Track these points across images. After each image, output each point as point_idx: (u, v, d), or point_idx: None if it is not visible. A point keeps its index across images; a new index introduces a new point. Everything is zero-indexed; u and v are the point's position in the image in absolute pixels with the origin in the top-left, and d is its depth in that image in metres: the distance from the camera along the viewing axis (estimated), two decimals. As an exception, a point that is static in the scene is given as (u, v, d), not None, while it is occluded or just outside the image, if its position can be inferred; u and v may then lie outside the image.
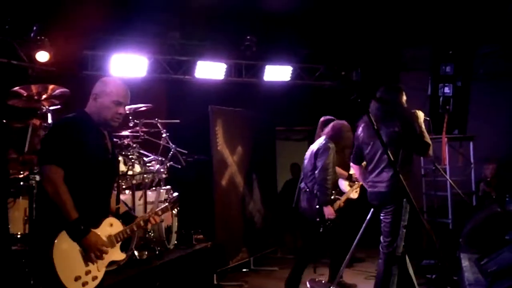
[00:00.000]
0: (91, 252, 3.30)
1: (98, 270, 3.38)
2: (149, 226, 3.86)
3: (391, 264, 4.86)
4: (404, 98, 5.21)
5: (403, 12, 7.88)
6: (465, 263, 5.83)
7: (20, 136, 5.43)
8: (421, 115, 5.08)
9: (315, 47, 9.48)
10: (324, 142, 6.18)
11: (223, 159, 7.44)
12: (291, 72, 9.57)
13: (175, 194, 4.27)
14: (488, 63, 9.53)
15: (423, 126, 5.01)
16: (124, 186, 6.23)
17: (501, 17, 7.25)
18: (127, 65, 8.15)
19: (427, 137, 4.99)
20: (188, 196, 7.25)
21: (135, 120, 6.47)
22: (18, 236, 5.06)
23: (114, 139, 6.18)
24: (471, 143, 8.70)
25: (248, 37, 8.94)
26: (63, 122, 3.51)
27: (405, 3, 7.66)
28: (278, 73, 9.50)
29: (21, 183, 5.20)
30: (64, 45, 7.54)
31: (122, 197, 5.84)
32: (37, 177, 5.02)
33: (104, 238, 3.43)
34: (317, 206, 6.02)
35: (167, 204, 4.09)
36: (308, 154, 6.42)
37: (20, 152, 5.35)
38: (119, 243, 3.58)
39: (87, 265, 3.31)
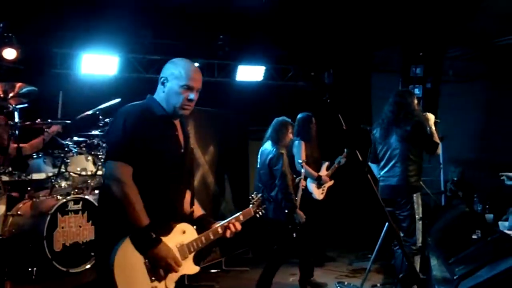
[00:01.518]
0: (160, 266, 2.82)
1: (166, 287, 2.90)
2: (228, 233, 3.22)
3: (412, 255, 5.37)
4: (416, 101, 5.67)
5: (374, 14, 7.94)
6: (433, 262, 5.89)
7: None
8: (431, 117, 5.60)
9: (288, 47, 9.50)
10: (274, 149, 6.14)
11: (195, 159, 7.40)
12: (263, 72, 9.57)
13: (259, 195, 3.63)
14: (457, 65, 9.69)
15: (433, 127, 5.54)
16: (93, 186, 6.16)
17: (469, 21, 7.36)
18: (98, 64, 8.04)
19: (436, 137, 5.52)
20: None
21: (106, 119, 6.40)
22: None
23: (83, 138, 6.18)
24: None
25: (221, 37, 8.91)
26: (129, 110, 3.01)
27: (376, 6, 7.71)
28: (251, 73, 9.49)
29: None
30: (32, 42, 7.41)
31: (91, 197, 5.79)
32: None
33: (175, 248, 2.94)
34: (286, 211, 6.01)
35: (250, 207, 3.47)
36: (260, 163, 6.34)
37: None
38: (192, 254, 3.07)
39: (152, 280, 2.82)
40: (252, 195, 3.55)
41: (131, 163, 2.84)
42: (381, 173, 5.67)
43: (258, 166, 6.34)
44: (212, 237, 3.15)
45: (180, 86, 3.05)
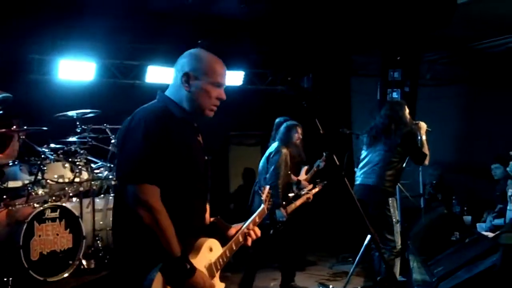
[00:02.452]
0: None
1: None
2: (249, 241, 2.88)
3: (394, 257, 5.46)
4: (407, 111, 5.74)
5: (352, 19, 7.98)
6: (413, 264, 5.94)
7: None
8: (423, 126, 5.70)
9: (266, 52, 9.52)
10: (276, 146, 6.28)
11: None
12: (243, 77, 9.57)
13: (267, 188, 3.32)
14: (435, 69, 9.78)
15: (424, 136, 5.62)
16: (71, 194, 6.11)
17: (446, 26, 7.44)
18: (75, 69, 7.96)
19: (426, 148, 5.60)
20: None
21: (83, 126, 6.34)
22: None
23: (59, 146, 6.11)
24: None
25: (200, 42, 8.88)
26: (148, 118, 2.47)
27: (354, 11, 7.76)
28: (230, 77, 9.48)
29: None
30: (7, 48, 7.31)
31: (69, 205, 5.73)
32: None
33: (205, 270, 2.57)
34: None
35: (262, 206, 3.16)
36: (264, 158, 6.48)
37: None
38: (219, 272, 2.73)
39: None
40: (260, 193, 3.29)
41: (157, 182, 2.40)
42: (359, 173, 5.73)
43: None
44: (235, 248, 2.81)
45: (211, 84, 2.62)
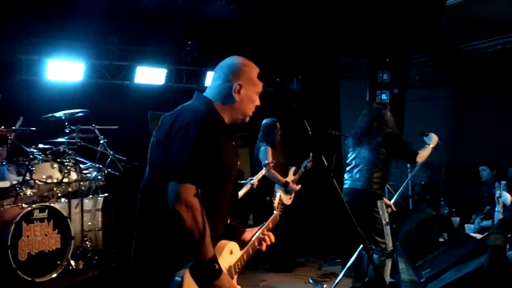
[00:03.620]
0: None
1: None
2: (264, 246, 2.92)
3: (385, 258, 5.40)
4: (389, 113, 5.71)
5: (341, 21, 8.01)
6: (401, 265, 5.97)
7: None
8: (435, 138, 5.70)
9: (255, 53, 9.51)
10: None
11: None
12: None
13: (278, 196, 3.34)
14: (424, 71, 9.85)
15: (432, 145, 5.62)
16: (59, 194, 6.08)
17: (434, 28, 7.49)
18: (63, 70, 7.93)
19: (422, 156, 5.53)
20: (127, 204, 7.14)
21: (72, 126, 6.32)
22: None
23: (47, 146, 6.08)
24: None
25: (189, 43, 8.88)
26: (199, 121, 2.52)
27: (343, 13, 7.79)
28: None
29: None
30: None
31: (57, 205, 5.71)
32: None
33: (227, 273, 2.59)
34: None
35: (275, 212, 3.19)
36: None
37: None
38: (236, 275, 2.75)
39: None
40: (272, 200, 3.30)
41: (200, 184, 2.44)
42: (346, 176, 5.74)
43: None
44: (251, 253, 2.84)
45: (257, 94, 2.79)
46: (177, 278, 2.38)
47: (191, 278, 2.40)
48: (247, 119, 2.80)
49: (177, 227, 2.39)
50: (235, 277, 2.72)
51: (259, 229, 2.95)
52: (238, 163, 2.81)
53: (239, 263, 2.74)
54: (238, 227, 2.90)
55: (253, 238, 2.88)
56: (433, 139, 5.69)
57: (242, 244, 2.84)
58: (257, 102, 2.80)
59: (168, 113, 2.70)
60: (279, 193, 3.40)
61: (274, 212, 3.18)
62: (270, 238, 2.94)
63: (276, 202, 3.28)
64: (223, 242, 2.66)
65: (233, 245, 2.72)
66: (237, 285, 2.70)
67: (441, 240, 6.25)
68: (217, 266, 2.44)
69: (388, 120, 5.65)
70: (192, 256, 2.41)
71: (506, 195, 6.50)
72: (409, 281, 5.49)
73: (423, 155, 5.57)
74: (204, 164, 2.46)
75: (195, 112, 2.60)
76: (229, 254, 2.67)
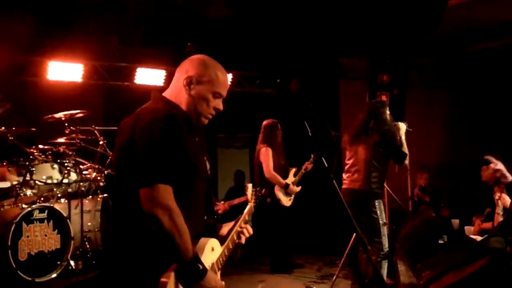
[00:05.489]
0: None
1: None
2: (243, 239, 2.87)
3: (381, 260, 5.44)
4: (387, 112, 5.71)
5: (341, 23, 8.02)
6: (400, 267, 5.96)
7: None
8: (403, 127, 5.71)
9: (255, 55, 9.53)
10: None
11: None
12: (231, 79, 9.57)
13: (250, 185, 3.25)
14: (424, 73, 9.84)
15: (403, 137, 5.61)
16: (59, 195, 6.09)
17: (435, 29, 7.49)
18: (64, 71, 7.92)
19: (406, 148, 5.57)
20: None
21: (71, 127, 6.32)
22: None
23: (48, 147, 6.09)
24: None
25: (189, 44, 8.88)
26: (161, 119, 2.44)
27: (343, 14, 7.80)
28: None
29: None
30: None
31: (57, 206, 5.71)
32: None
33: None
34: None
35: (249, 204, 3.11)
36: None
37: None
38: (220, 271, 2.72)
39: None
40: (247, 190, 3.22)
41: (170, 182, 2.38)
42: (344, 177, 5.75)
43: None
44: (231, 247, 2.80)
45: (213, 93, 2.63)
46: (163, 280, 2.35)
47: (176, 280, 2.37)
48: (204, 120, 2.68)
49: (156, 231, 2.33)
50: (218, 273, 2.68)
51: (235, 223, 2.90)
52: (206, 158, 2.74)
53: (221, 259, 2.70)
54: (216, 223, 2.86)
55: (231, 233, 2.83)
56: (401, 129, 5.70)
57: (221, 239, 2.79)
58: (216, 104, 2.65)
59: (125, 118, 2.61)
60: (250, 184, 3.36)
61: (249, 204, 3.11)
62: (248, 230, 2.89)
63: (249, 193, 3.21)
64: (203, 240, 2.62)
65: (213, 242, 2.68)
66: (222, 281, 2.64)
67: (440, 242, 6.25)
68: (201, 266, 2.41)
69: (385, 118, 5.64)
70: (174, 258, 2.37)
71: (506, 197, 6.51)
72: (409, 283, 5.49)
73: (406, 151, 5.60)
74: (171, 162, 2.39)
75: (154, 111, 2.51)
76: (210, 251, 2.63)
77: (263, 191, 3.15)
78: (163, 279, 2.35)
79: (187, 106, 2.62)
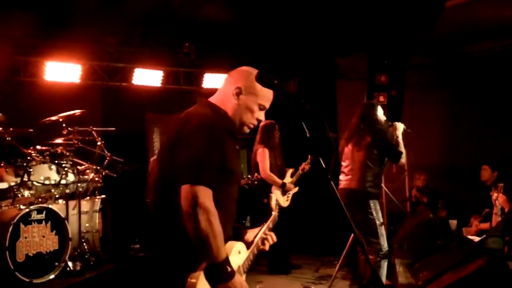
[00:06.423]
0: None
1: None
2: (267, 246, 2.95)
3: (380, 260, 5.37)
4: (379, 112, 5.74)
5: (338, 23, 8.02)
6: (398, 268, 5.97)
7: None
8: (399, 127, 5.71)
9: (253, 55, 9.53)
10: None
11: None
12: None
13: (273, 198, 3.35)
14: (422, 73, 9.84)
15: (400, 136, 5.63)
16: (57, 196, 6.08)
17: (432, 30, 7.50)
18: (61, 71, 7.92)
19: (402, 147, 5.60)
20: (124, 205, 7.15)
21: (69, 128, 6.31)
22: None
23: (45, 147, 6.09)
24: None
25: (187, 45, 8.88)
26: (209, 124, 2.55)
27: (341, 14, 7.80)
28: (217, 80, 9.48)
29: None
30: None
31: (55, 207, 5.70)
32: None
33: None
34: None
35: (273, 213, 3.22)
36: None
37: None
38: (245, 274, 2.76)
39: None
40: (271, 200, 3.32)
41: (212, 186, 2.45)
42: (340, 177, 5.77)
43: None
44: (256, 253, 2.87)
45: (258, 105, 2.76)
46: (192, 280, 2.41)
47: (205, 280, 2.42)
48: (246, 129, 2.78)
49: (190, 229, 2.40)
50: (244, 276, 2.73)
51: (260, 230, 2.99)
52: (242, 165, 2.83)
53: (246, 263, 2.76)
54: (241, 228, 2.94)
55: (256, 239, 2.90)
56: (398, 129, 5.72)
57: (246, 244, 2.86)
58: (259, 115, 2.77)
59: (174, 118, 2.70)
60: (274, 194, 3.43)
61: (273, 213, 3.20)
62: (272, 237, 2.98)
63: (273, 203, 3.30)
64: (231, 242, 2.69)
65: (240, 246, 2.75)
66: (247, 285, 2.67)
67: (438, 243, 6.25)
68: (229, 269, 2.46)
69: (375, 119, 5.66)
70: (205, 258, 2.43)
71: (503, 198, 6.52)
72: (407, 283, 5.49)
73: (402, 149, 5.62)
74: (214, 166, 2.48)
75: (202, 115, 2.61)
76: (237, 254, 2.69)
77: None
78: (192, 280, 2.41)
79: (233, 113, 2.72)
